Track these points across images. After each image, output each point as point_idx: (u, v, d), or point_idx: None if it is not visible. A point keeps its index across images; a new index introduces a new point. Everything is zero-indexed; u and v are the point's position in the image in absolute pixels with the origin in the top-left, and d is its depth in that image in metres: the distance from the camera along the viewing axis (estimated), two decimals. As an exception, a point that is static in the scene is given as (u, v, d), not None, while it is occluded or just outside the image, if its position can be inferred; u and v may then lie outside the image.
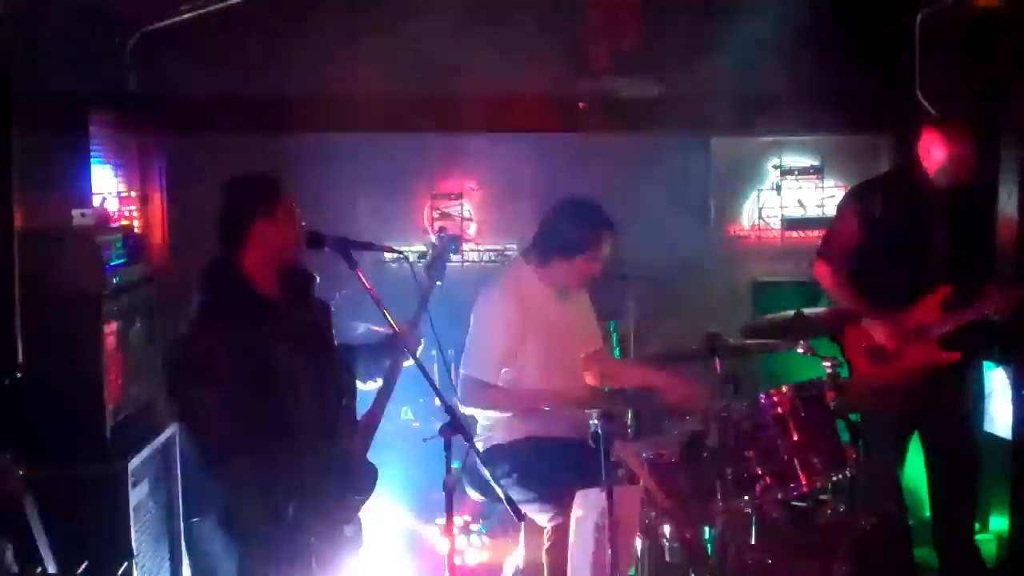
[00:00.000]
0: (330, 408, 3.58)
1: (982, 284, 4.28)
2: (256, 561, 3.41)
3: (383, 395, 3.87)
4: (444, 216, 6.57)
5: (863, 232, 4.45)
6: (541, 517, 4.01)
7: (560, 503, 3.89)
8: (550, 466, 4.00)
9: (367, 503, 3.72)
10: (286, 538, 3.34)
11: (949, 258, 4.33)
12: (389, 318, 3.44)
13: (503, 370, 4.11)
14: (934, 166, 4.31)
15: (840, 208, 4.71)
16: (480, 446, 3.96)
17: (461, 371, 4.18)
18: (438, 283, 4.10)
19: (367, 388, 3.88)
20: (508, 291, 4.21)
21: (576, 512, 3.73)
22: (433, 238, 4.26)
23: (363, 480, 3.70)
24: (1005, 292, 4.21)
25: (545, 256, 4.21)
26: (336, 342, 3.78)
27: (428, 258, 4.13)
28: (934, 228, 4.35)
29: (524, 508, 3.52)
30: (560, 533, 3.89)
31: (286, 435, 3.40)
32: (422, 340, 3.94)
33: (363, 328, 5.11)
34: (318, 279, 3.72)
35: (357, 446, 3.74)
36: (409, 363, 3.83)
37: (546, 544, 3.99)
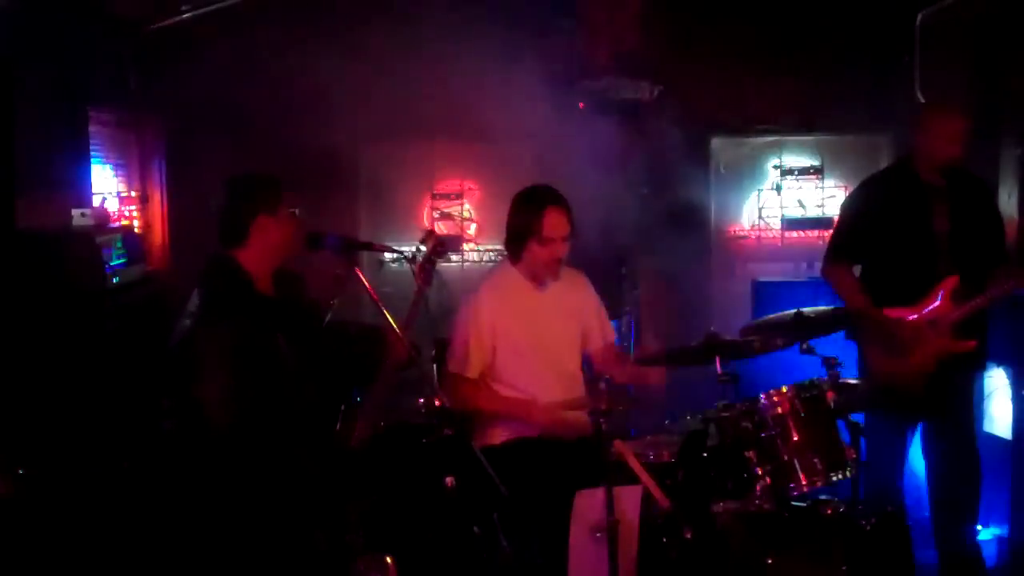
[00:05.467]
0: (328, 406, 3.59)
1: (989, 270, 4.29)
2: (258, 556, 3.41)
3: (378, 395, 3.86)
4: (444, 216, 6.57)
5: (868, 229, 4.46)
6: (534, 518, 4.00)
7: (553, 503, 3.89)
8: (542, 466, 4.00)
9: (366, 502, 3.72)
10: (288, 532, 3.35)
11: (954, 247, 4.33)
12: (389, 318, 3.44)
13: (481, 364, 4.15)
14: (928, 149, 4.33)
15: (843, 208, 4.72)
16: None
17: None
18: (430, 287, 4.00)
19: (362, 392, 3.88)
20: (485, 288, 4.26)
21: (576, 512, 3.73)
22: (418, 244, 4.12)
23: (362, 479, 3.71)
24: (1008, 276, 4.23)
25: (510, 249, 4.26)
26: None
27: (419, 261, 4.05)
28: (937, 218, 4.36)
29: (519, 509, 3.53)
30: (556, 533, 3.88)
31: (289, 430, 3.41)
32: (415, 346, 3.89)
33: None
34: (306, 282, 3.72)
35: (355, 445, 3.74)
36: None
37: (540, 546, 3.99)
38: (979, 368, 4.54)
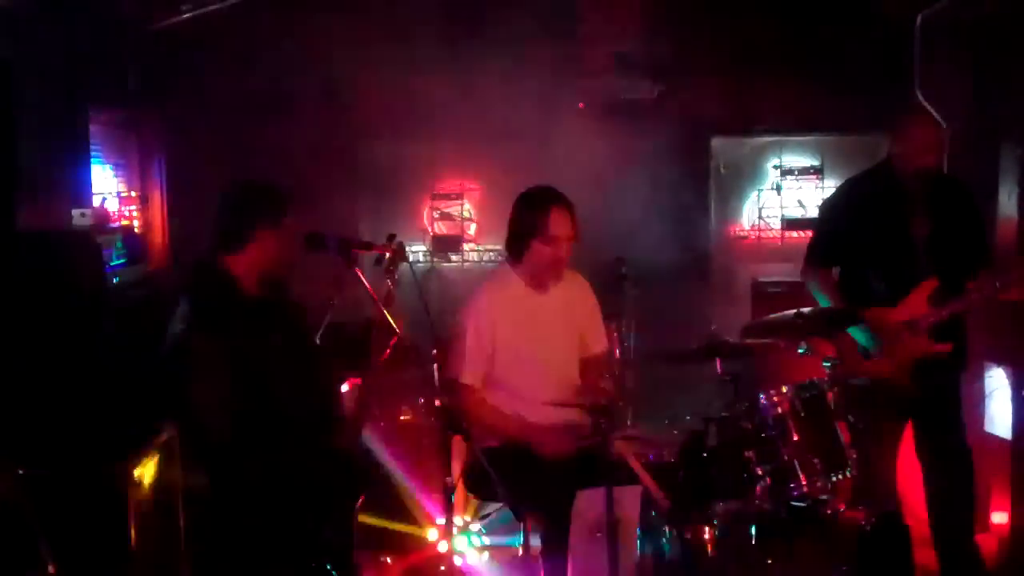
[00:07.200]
0: (319, 406, 3.59)
1: (969, 275, 4.30)
2: (254, 557, 3.41)
3: (365, 395, 3.84)
4: (444, 216, 6.58)
5: (846, 232, 4.46)
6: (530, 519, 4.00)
7: (553, 503, 3.89)
8: (542, 467, 3.99)
9: (360, 501, 3.72)
10: (283, 533, 3.35)
11: (933, 250, 4.34)
12: (389, 318, 3.44)
13: (480, 369, 4.14)
14: (905, 156, 4.34)
15: (822, 210, 4.74)
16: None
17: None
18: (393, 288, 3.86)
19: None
20: (484, 291, 4.25)
21: (576, 512, 3.73)
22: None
23: (355, 479, 3.70)
24: (989, 281, 4.24)
25: (512, 250, 4.24)
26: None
27: (384, 263, 3.91)
28: (916, 222, 4.37)
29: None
30: (553, 534, 3.88)
31: (281, 432, 3.40)
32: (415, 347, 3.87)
33: None
34: (291, 287, 3.70)
35: (345, 444, 3.74)
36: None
37: (540, 546, 3.99)
38: (960, 369, 4.53)
